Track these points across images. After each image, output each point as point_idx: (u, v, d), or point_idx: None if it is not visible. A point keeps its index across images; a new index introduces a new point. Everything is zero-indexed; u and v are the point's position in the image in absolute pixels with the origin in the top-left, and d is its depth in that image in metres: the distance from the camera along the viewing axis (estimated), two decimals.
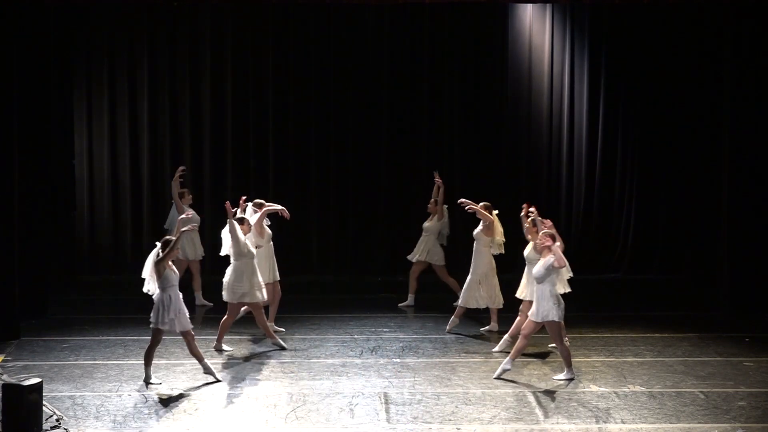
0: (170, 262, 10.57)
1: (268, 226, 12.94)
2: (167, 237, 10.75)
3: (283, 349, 12.05)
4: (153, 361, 10.70)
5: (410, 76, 16.97)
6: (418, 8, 16.59)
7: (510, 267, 14.45)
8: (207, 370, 10.77)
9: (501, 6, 16.71)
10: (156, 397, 10.20)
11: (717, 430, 9.40)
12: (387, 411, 9.83)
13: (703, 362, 11.57)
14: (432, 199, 14.53)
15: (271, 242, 12.94)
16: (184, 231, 10.82)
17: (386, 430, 9.37)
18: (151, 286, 10.61)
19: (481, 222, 12.92)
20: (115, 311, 14.17)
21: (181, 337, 10.77)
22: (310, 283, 16.52)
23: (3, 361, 11.52)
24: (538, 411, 9.85)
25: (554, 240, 10.74)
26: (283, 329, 12.82)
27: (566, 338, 12.08)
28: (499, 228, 12.92)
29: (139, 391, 10.41)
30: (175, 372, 11.11)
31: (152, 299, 10.60)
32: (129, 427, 9.41)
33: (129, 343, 12.31)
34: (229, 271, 11.91)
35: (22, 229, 13.07)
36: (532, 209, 11.88)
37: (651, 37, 16.61)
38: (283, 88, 16.82)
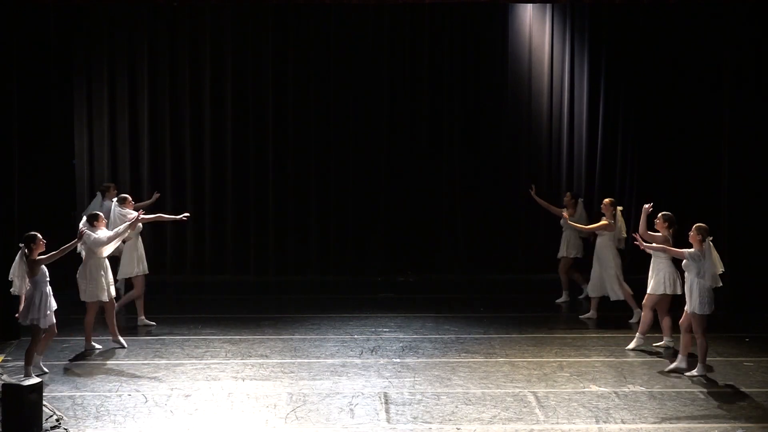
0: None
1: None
2: (31, 233, 10.79)
3: (123, 347, 12.06)
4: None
5: (410, 76, 16.96)
6: (418, 8, 16.58)
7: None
8: (27, 375, 10.65)
9: (501, 6, 16.70)
10: (156, 397, 10.20)
11: (717, 430, 9.39)
12: (387, 411, 9.82)
13: None
14: (567, 193, 15.06)
15: (140, 236, 13.15)
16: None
17: (386, 430, 9.37)
18: (18, 286, 10.70)
19: (603, 217, 13.42)
20: None
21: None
22: (310, 283, 16.52)
23: (3, 361, 11.52)
24: (538, 411, 9.85)
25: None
26: (154, 323, 13.05)
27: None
28: (621, 221, 13.46)
29: (139, 390, 10.42)
30: (175, 372, 11.11)
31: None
32: (129, 427, 9.41)
33: (129, 343, 12.30)
34: (81, 270, 11.97)
35: (22, 229, 13.03)
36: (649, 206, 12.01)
37: (651, 38, 16.59)
38: (283, 88, 16.80)
